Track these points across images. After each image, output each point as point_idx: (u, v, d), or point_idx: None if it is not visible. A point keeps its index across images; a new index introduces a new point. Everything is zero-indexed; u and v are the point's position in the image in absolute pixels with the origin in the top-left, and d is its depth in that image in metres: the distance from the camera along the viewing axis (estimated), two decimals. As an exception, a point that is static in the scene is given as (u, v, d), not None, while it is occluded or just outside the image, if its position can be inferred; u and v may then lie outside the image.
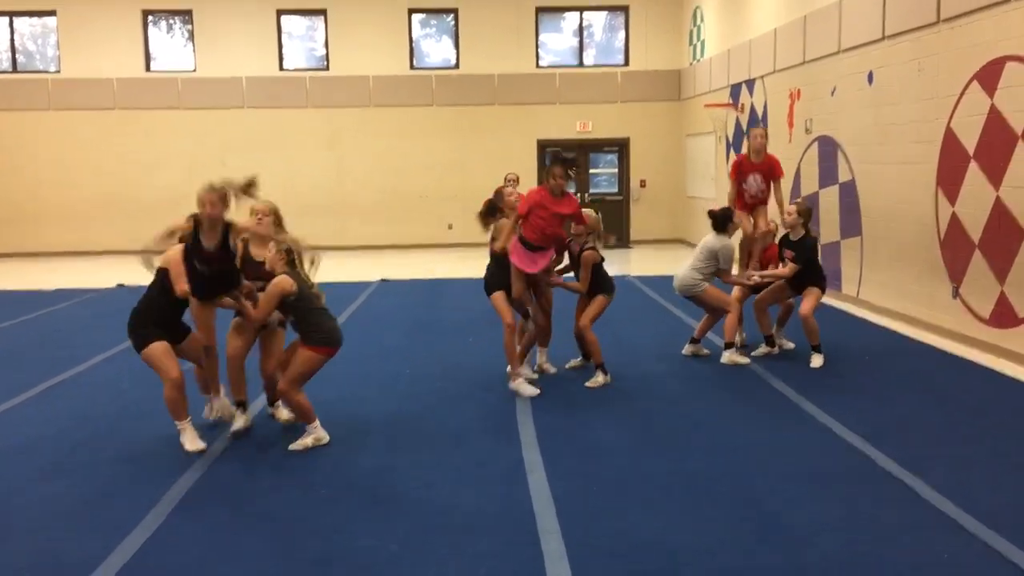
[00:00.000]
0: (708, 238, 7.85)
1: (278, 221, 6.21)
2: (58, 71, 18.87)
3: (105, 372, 7.99)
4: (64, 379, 7.74)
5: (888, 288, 10.00)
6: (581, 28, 19.52)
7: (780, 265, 7.93)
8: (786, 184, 10.56)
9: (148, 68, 18.85)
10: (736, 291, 8.20)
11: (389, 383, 7.47)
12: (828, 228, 11.38)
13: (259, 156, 18.77)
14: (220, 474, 5.31)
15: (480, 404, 6.73)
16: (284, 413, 6.15)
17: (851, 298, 10.85)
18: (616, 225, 19.47)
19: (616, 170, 19.94)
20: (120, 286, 13.11)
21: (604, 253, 7.25)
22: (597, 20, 19.78)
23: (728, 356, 7.79)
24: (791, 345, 8.22)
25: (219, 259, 5.70)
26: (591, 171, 19.92)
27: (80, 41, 18.64)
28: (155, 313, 5.64)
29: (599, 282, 7.14)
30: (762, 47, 13.70)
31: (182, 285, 5.56)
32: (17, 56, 19.08)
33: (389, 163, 19.15)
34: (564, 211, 6.78)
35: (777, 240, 8.15)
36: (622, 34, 19.51)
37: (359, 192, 19.19)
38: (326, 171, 19.14)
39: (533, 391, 6.83)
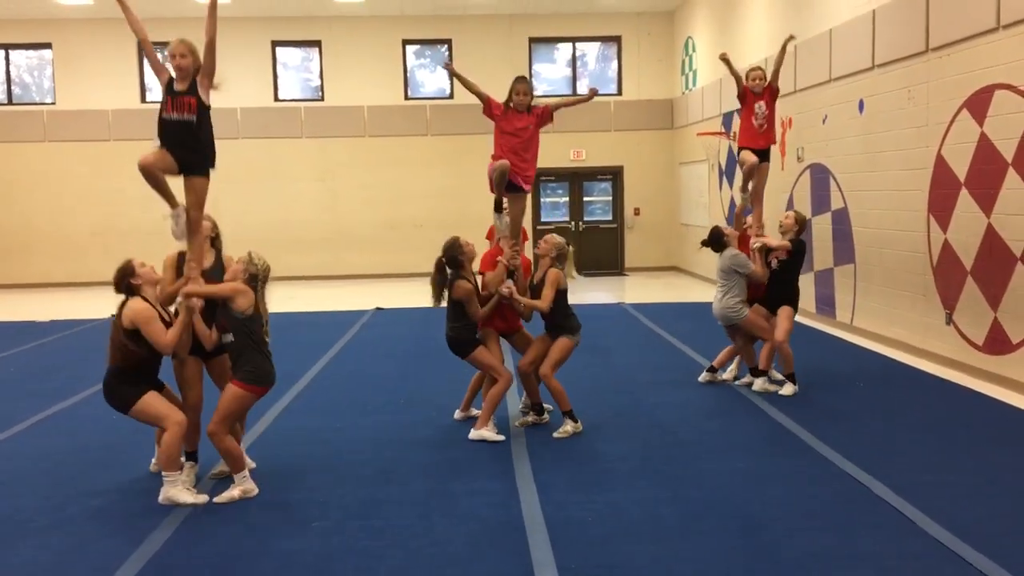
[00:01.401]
0: (718, 261, 7.90)
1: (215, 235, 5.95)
2: (53, 103, 18.94)
3: (97, 404, 7.93)
4: (56, 412, 7.69)
5: (882, 315, 10.01)
6: (574, 58, 19.67)
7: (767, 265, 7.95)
8: (779, 210, 10.50)
9: (143, 99, 18.93)
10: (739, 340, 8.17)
11: (384, 412, 7.44)
12: (821, 255, 11.42)
13: (254, 186, 18.88)
14: (211, 512, 5.26)
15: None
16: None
17: (845, 325, 10.86)
18: (611, 253, 19.54)
19: (610, 198, 20.01)
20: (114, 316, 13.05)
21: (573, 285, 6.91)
22: (590, 50, 19.94)
23: (760, 384, 7.78)
24: (780, 378, 8.12)
25: (187, 105, 5.46)
26: (585, 199, 19.99)
27: (75, 73, 18.74)
28: (132, 370, 5.33)
29: (563, 320, 6.64)
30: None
31: (167, 337, 5.27)
32: (13, 88, 19.16)
33: (384, 192, 19.21)
34: (534, 124, 6.66)
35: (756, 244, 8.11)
36: (615, 64, 19.67)
37: (354, 221, 19.22)
38: (321, 200, 19.19)
39: (500, 436, 6.51)
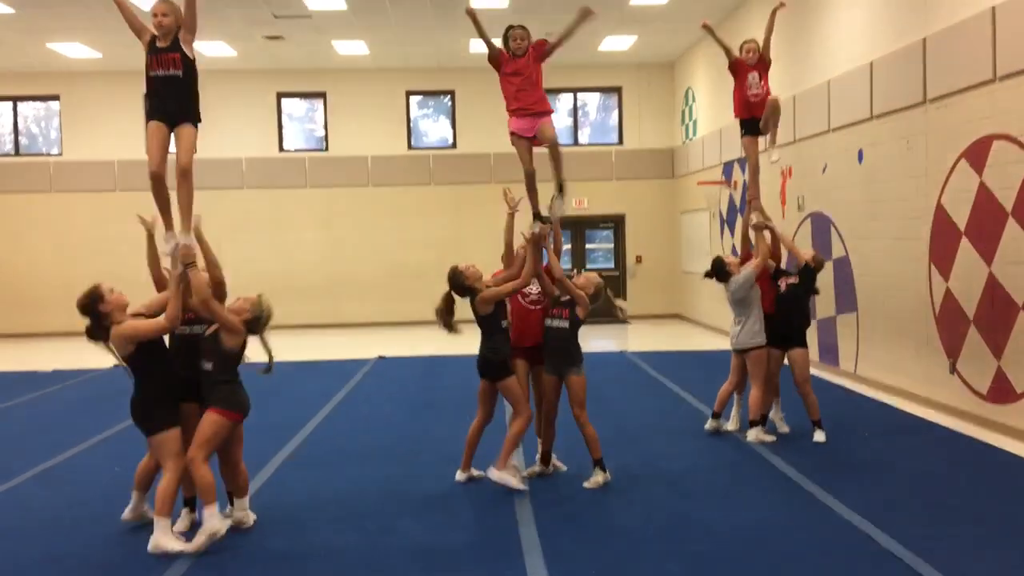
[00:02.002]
0: (727, 291, 7.89)
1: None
2: (60, 154, 19.14)
3: (98, 455, 7.91)
4: (55, 463, 7.65)
5: (885, 364, 9.99)
6: (576, 108, 19.89)
7: (778, 288, 7.97)
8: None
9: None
10: (734, 379, 8.15)
11: (387, 463, 7.40)
12: (824, 304, 11.42)
13: (258, 235, 18.98)
14: (211, 565, 5.21)
15: (477, 482, 6.65)
16: (249, 517, 5.80)
17: (849, 373, 10.83)
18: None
19: (612, 246, 20.09)
20: (117, 366, 13.04)
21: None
22: (591, 100, 20.17)
23: (754, 435, 7.68)
24: (786, 429, 8.08)
25: (172, 60, 5.51)
26: (587, 246, 20.08)
27: (82, 124, 18.96)
28: (156, 395, 5.38)
29: (577, 349, 6.51)
30: (753, 126, 13.92)
31: (162, 321, 5.32)
32: (20, 139, 19.38)
33: (387, 241, 19.31)
34: (531, 58, 6.58)
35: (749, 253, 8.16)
36: (616, 114, 19.88)
37: (357, 270, 19.30)
38: (324, 249, 19.28)
39: (522, 485, 6.41)
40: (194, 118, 5.64)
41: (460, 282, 6.54)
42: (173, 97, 5.52)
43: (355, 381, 11.79)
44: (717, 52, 8.53)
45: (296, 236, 19.18)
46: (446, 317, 6.62)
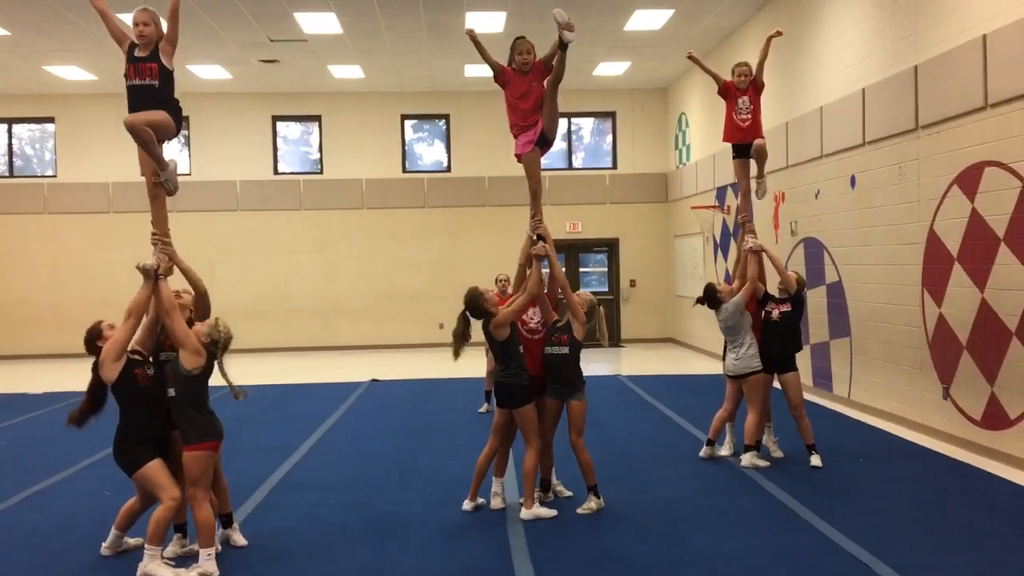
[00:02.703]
0: (719, 318, 7.88)
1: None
2: (54, 175, 19.13)
3: (87, 479, 7.84)
4: (44, 487, 7.59)
5: (879, 389, 9.99)
6: (570, 132, 19.97)
7: (764, 316, 7.97)
8: (773, 282, 10.47)
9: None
10: (728, 407, 8.14)
11: (378, 486, 7.35)
12: (817, 328, 11.44)
13: (251, 258, 18.98)
14: (203, 586, 5.16)
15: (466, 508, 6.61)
16: (239, 538, 5.83)
17: (842, 399, 10.83)
18: (607, 324, 19.51)
19: (606, 269, 20.12)
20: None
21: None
22: (586, 125, 20.27)
23: (749, 459, 7.68)
24: (780, 454, 8.08)
25: (149, 71, 5.51)
26: (581, 270, 20.09)
27: (77, 146, 18.97)
28: (137, 430, 5.36)
29: (579, 374, 6.50)
30: (747, 151, 13.99)
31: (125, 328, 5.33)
32: (15, 160, 19.37)
33: (380, 264, 19.31)
34: (535, 76, 6.47)
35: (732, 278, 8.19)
36: (610, 138, 19.97)
37: (350, 292, 19.28)
38: (317, 271, 19.27)
39: (553, 512, 6.39)
40: (170, 110, 5.61)
41: (478, 304, 6.41)
42: (148, 107, 5.52)
43: (348, 404, 11.74)
44: (710, 79, 8.54)
45: (290, 259, 19.17)
46: (461, 342, 6.47)
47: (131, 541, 5.75)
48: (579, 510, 6.44)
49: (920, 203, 9.04)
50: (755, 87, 8.25)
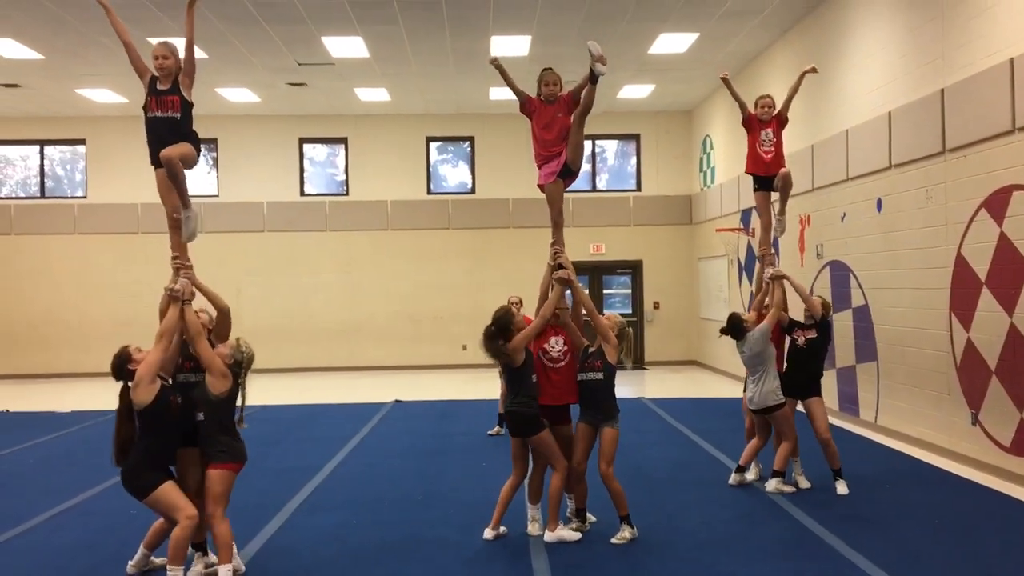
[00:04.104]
0: (742, 349, 7.73)
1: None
2: (84, 196, 19.42)
3: (112, 498, 7.89)
4: (71, 506, 7.65)
5: (906, 414, 9.88)
6: (594, 154, 20.02)
7: (789, 343, 7.93)
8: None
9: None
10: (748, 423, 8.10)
11: (401, 509, 7.35)
12: (843, 352, 11.35)
13: (277, 278, 19.13)
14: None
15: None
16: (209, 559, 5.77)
17: (869, 423, 10.72)
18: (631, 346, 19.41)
19: (629, 291, 20.09)
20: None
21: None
22: (610, 147, 20.31)
23: (775, 484, 7.61)
24: (807, 484, 7.84)
25: (171, 103, 5.63)
26: (604, 292, 20.07)
27: (107, 167, 19.24)
28: (153, 455, 5.37)
29: (612, 402, 6.44)
30: (771, 174, 13.96)
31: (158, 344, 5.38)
32: (46, 181, 19.69)
33: (405, 285, 19.39)
34: (561, 108, 6.45)
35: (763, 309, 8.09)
36: (634, 160, 20.00)
37: (374, 313, 19.36)
38: (342, 292, 19.38)
39: (578, 535, 6.39)
40: (191, 141, 5.75)
41: (507, 323, 6.33)
42: (171, 139, 5.65)
43: (372, 425, 11.76)
44: (734, 103, 8.53)
45: (315, 279, 19.31)
46: (493, 344, 6.35)
47: (157, 560, 5.79)
48: (613, 540, 6.32)
49: (948, 227, 8.97)
50: (779, 120, 8.25)
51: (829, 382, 11.68)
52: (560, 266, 6.57)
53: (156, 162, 5.74)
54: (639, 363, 19.22)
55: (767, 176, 8.22)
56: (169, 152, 5.56)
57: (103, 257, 19.09)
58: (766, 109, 8.19)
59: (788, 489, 7.61)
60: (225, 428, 5.49)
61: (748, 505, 7.34)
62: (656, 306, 19.71)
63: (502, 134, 19.46)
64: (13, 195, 19.67)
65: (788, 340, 7.99)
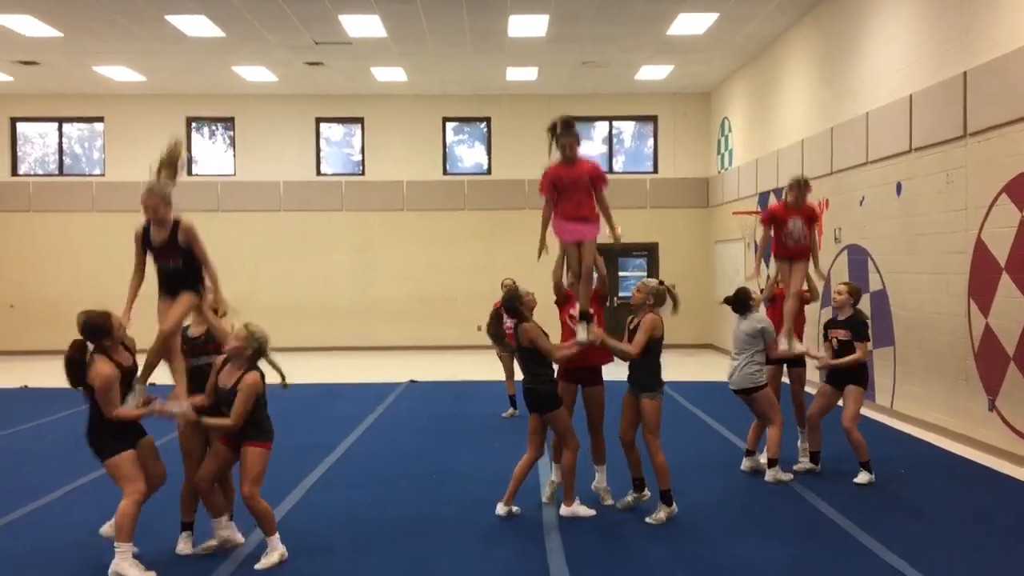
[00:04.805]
0: (740, 325, 7.55)
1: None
2: (102, 174, 19.50)
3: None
4: (86, 482, 7.72)
5: (922, 399, 9.84)
6: (611, 136, 19.93)
7: (823, 346, 7.77)
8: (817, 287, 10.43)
9: (190, 172, 19.43)
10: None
11: (416, 487, 7.39)
12: (860, 337, 11.28)
13: (292, 257, 19.19)
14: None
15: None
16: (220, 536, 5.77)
17: (885, 408, 10.68)
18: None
19: (645, 274, 20.03)
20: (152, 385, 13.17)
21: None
22: (626, 129, 20.21)
23: (773, 474, 7.46)
24: (810, 466, 7.79)
25: (169, 254, 5.57)
26: (620, 274, 20.03)
27: (125, 146, 19.30)
28: (118, 424, 5.38)
29: (653, 374, 6.40)
30: (790, 157, 13.89)
31: (114, 409, 5.34)
32: (64, 159, 19.78)
33: (420, 265, 19.42)
34: (583, 172, 6.38)
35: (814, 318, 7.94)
36: (651, 142, 19.90)
37: (389, 293, 19.40)
38: (357, 272, 19.43)
39: (592, 511, 6.45)
40: (196, 287, 5.66)
41: (514, 304, 6.42)
42: (179, 283, 5.60)
43: (387, 404, 11.81)
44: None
45: (331, 259, 19.35)
46: (497, 328, 6.57)
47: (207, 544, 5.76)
48: (648, 519, 6.33)
49: (968, 211, 8.89)
50: (813, 216, 8.07)
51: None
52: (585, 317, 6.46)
53: (163, 296, 5.64)
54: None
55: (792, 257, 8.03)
56: (170, 328, 5.48)
57: (121, 235, 19.06)
58: (802, 192, 7.95)
59: (786, 477, 7.48)
60: (260, 408, 5.53)
61: (764, 488, 7.33)
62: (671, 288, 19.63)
63: (519, 115, 19.40)
64: (32, 172, 19.77)
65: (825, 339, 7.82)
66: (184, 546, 5.74)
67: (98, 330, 5.43)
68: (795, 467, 7.76)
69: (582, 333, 6.36)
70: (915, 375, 10.02)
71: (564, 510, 6.42)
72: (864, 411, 10.75)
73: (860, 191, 11.35)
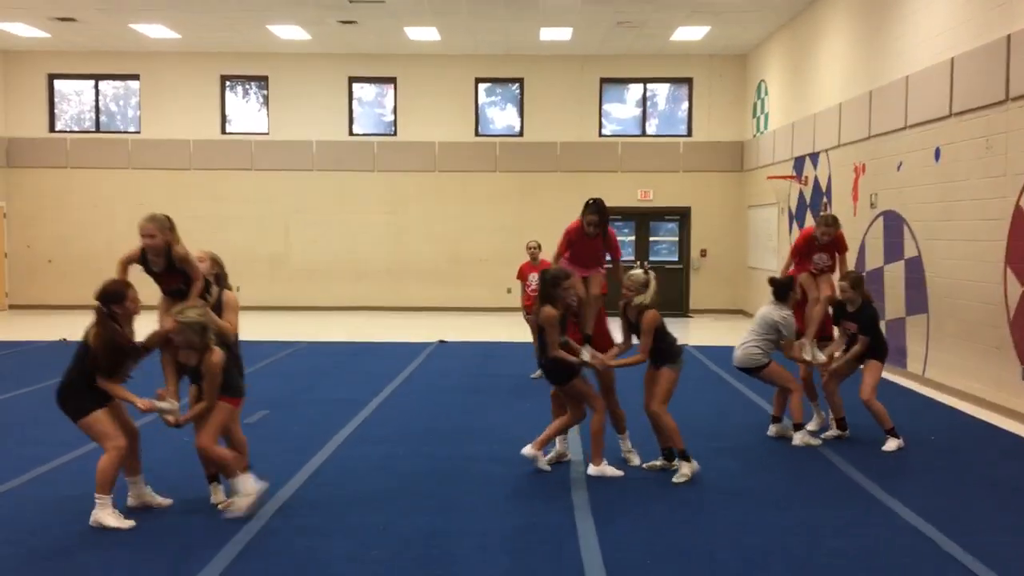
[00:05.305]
0: (766, 309, 7.56)
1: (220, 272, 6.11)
2: (138, 132, 19.67)
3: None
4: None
5: (955, 367, 9.77)
6: (645, 98, 19.75)
7: (838, 337, 7.79)
8: (851, 258, 10.31)
9: (223, 131, 19.55)
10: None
11: (445, 444, 7.49)
12: (893, 304, 11.21)
13: (325, 217, 19.31)
14: (269, 540, 5.36)
15: (533, 468, 6.70)
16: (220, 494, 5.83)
17: (916, 376, 10.62)
18: (676, 294, 19.40)
19: (677, 239, 19.95)
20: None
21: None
22: (661, 91, 20.02)
23: (800, 438, 7.48)
24: (829, 432, 7.78)
25: (170, 279, 5.71)
26: (651, 239, 19.96)
27: (160, 104, 19.45)
28: (89, 382, 5.44)
29: (663, 349, 6.49)
30: (827, 121, 13.70)
31: (118, 390, 5.42)
32: (100, 117, 19.97)
33: (451, 227, 19.46)
34: (598, 243, 6.89)
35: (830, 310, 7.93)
36: (685, 105, 19.70)
37: (420, 254, 19.49)
38: (388, 233, 19.52)
39: (618, 472, 6.51)
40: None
41: (552, 290, 6.35)
42: (183, 297, 5.71)
43: (417, 363, 11.93)
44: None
45: (362, 219, 19.45)
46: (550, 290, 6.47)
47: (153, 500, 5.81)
48: (674, 479, 6.39)
49: (1007, 177, 8.75)
50: (838, 247, 8.10)
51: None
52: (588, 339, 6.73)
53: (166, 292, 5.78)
54: (683, 311, 19.15)
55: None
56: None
57: (156, 192, 19.34)
58: (830, 231, 7.98)
59: (815, 442, 7.48)
60: (230, 362, 5.57)
61: (789, 452, 7.35)
62: (703, 254, 19.57)
63: (552, 77, 19.28)
64: (68, 129, 19.99)
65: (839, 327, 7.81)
66: (218, 497, 5.83)
67: (114, 296, 5.50)
68: (823, 435, 7.74)
69: (585, 354, 6.52)
70: (948, 343, 9.94)
71: (592, 469, 6.48)
72: (894, 378, 10.74)
73: (898, 156, 11.20)
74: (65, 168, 19.48)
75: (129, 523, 5.36)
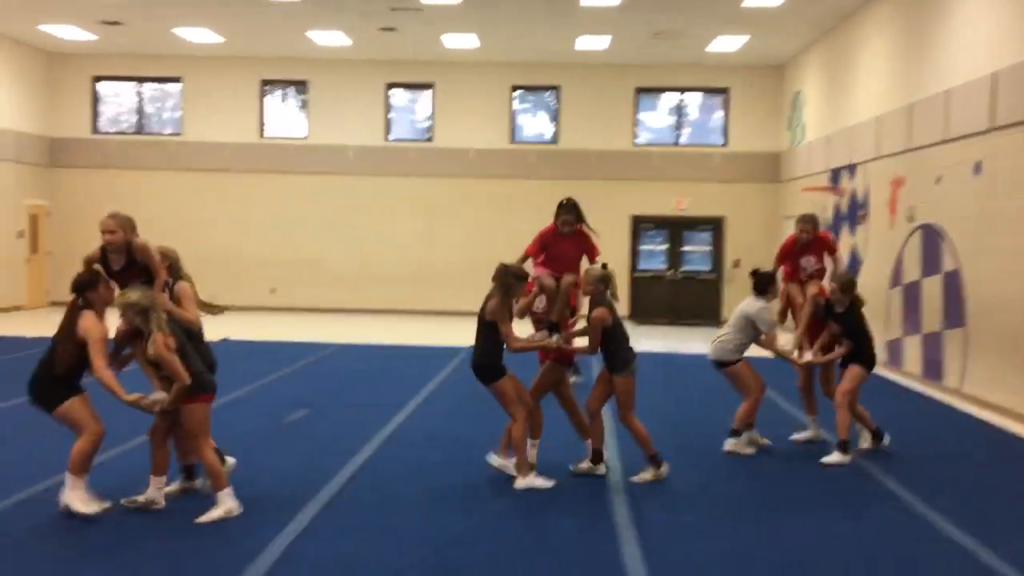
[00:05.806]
0: (745, 303, 7.53)
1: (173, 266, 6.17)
2: (179, 134, 19.98)
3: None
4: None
5: (993, 382, 9.69)
6: (680, 108, 19.76)
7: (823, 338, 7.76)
8: (887, 271, 10.31)
9: (262, 134, 19.81)
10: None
11: (482, 447, 7.55)
12: (930, 317, 11.14)
13: (360, 220, 19.51)
14: (306, 544, 5.45)
15: (560, 475, 6.72)
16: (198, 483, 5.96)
17: (953, 391, 10.54)
18: (709, 303, 19.36)
19: (710, 248, 19.91)
20: (225, 340, 13.57)
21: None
22: (692, 101, 20.01)
23: (731, 444, 7.41)
24: (766, 441, 7.71)
25: (129, 277, 5.77)
26: (684, 249, 19.93)
27: (201, 107, 19.75)
28: (68, 371, 5.49)
29: (612, 353, 6.50)
30: (864, 133, 13.65)
31: (104, 370, 5.41)
32: (143, 119, 20.30)
33: (483, 232, 19.52)
34: (574, 245, 7.10)
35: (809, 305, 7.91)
36: (721, 114, 19.68)
37: (454, 259, 19.58)
38: (421, 238, 19.65)
39: (548, 482, 6.41)
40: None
41: (508, 279, 6.68)
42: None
43: (452, 367, 12.02)
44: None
45: (397, 224, 19.60)
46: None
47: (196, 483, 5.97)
48: (633, 478, 6.54)
49: (1049, 192, 8.70)
50: (826, 248, 8.32)
51: (912, 348, 11.51)
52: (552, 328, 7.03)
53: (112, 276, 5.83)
54: (716, 321, 19.12)
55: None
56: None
57: (196, 194, 19.64)
58: (808, 230, 8.22)
59: (747, 451, 7.42)
60: (189, 355, 5.60)
61: (817, 459, 7.33)
62: (736, 264, 19.50)
63: (588, 84, 19.35)
64: (112, 131, 20.33)
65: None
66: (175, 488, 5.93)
67: (88, 283, 5.60)
68: (859, 446, 7.69)
69: (550, 338, 6.82)
70: (987, 358, 9.86)
71: (520, 483, 6.36)
72: (931, 392, 10.66)
73: (937, 170, 11.14)
74: (108, 169, 19.81)
75: (95, 508, 5.44)
